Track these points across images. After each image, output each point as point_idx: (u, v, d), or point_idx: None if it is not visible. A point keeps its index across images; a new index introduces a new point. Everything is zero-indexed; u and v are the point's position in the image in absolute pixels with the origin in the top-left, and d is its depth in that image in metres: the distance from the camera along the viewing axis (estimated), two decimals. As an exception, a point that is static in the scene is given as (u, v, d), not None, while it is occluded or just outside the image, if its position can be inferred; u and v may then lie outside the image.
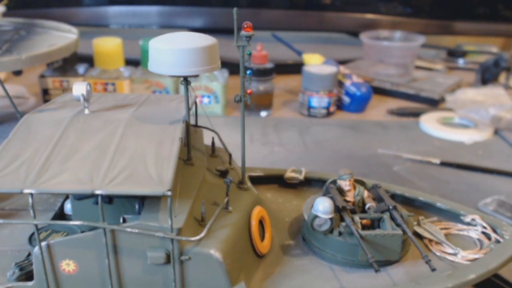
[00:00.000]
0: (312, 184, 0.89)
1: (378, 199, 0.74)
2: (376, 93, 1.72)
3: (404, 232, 0.68)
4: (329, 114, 1.56)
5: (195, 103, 0.79)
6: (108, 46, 1.52)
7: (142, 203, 0.65)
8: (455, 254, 0.71)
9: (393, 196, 0.79)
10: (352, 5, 2.34)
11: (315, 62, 1.71)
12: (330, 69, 1.54)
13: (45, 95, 1.52)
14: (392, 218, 0.70)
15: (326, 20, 2.34)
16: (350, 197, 0.75)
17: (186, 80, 0.70)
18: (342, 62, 1.78)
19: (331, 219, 0.68)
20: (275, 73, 1.56)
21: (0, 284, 0.64)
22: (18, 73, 1.47)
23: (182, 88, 0.72)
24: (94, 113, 0.71)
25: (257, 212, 0.72)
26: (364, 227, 0.70)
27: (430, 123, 1.48)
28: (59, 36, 1.43)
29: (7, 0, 1.89)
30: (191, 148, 0.76)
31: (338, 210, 0.70)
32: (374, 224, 0.71)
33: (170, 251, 0.60)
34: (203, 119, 0.83)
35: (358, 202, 0.75)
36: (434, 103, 1.66)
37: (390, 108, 1.64)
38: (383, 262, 0.68)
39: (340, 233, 0.69)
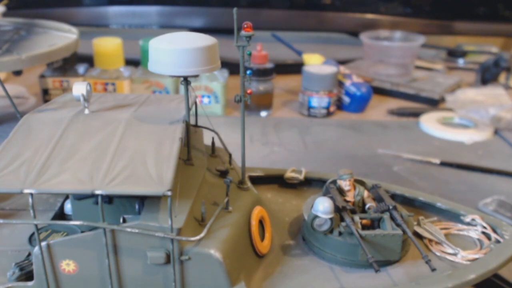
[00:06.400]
0: (312, 184, 0.89)
1: (378, 199, 0.74)
2: (376, 93, 1.72)
3: (404, 232, 0.68)
4: (329, 114, 1.56)
5: (195, 103, 0.79)
6: (108, 46, 1.52)
7: (142, 203, 0.65)
8: (455, 254, 0.71)
9: (393, 196, 0.79)
10: (352, 5, 2.34)
11: (315, 62, 1.71)
12: (330, 69, 1.54)
13: (45, 95, 1.52)
14: (392, 218, 0.70)
15: (326, 20, 2.34)
16: (350, 197, 0.75)
17: (186, 80, 0.70)
18: (342, 62, 1.78)
19: (331, 219, 0.68)
20: (275, 73, 1.56)
21: (0, 284, 0.64)
22: (18, 73, 1.47)
23: (182, 88, 0.72)
24: (94, 113, 0.71)
25: (257, 212, 0.72)
26: (364, 227, 0.70)
27: (430, 123, 1.48)
28: (59, 36, 1.43)
29: (7, 0, 1.89)
30: (191, 148, 0.76)
31: (338, 210, 0.70)
32: (374, 224, 0.71)
33: (170, 251, 0.60)
34: (203, 119, 0.83)
35: (358, 202, 0.75)
36: (434, 103, 1.66)
37: (390, 108, 1.64)
38: (383, 262, 0.68)
39: (340, 233, 0.69)
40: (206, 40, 0.68)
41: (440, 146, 1.38)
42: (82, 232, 0.65)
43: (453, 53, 2.15)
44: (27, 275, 0.65)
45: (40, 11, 2.15)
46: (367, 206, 0.73)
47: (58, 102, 0.76)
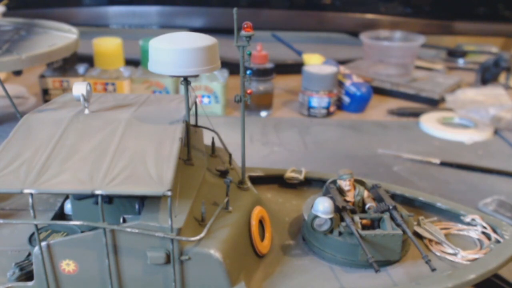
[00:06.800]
0: (312, 184, 0.89)
1: (378, 199, 0.74)
2: (376, 93, 1.72)
3: (404, 232, 0.68)
4: (329, 114, 1.56)
5: (195, 103, 0.79)
6: (108, 46, 1.52)
7: (142, 203, 0.65)
8: (455, 254, 0.71)
9: (393, 196, 0.79)
10: (352, 5, 2.34)
11: (315, 62, 1.71)
12: (330, 69, 1.54)
13: (45, 95, 1.52)
14: (392, 218, 0.70)
15: (326, 20, 2.34)
16: (350, 197, 0.75)
17: (186, 80, 0.70)
18: (342, 62, 1.78)
19: (331, 219, 0.68)
20: (275, 73, 1.56)
21: (0, 284, 0.64)
22: (18, 73, 1.47)
23: (182, 88, 0.72)
24: (94, 113, 0.71)
25: (257, 212, 0.72)
26: (364, 227, 0.70)
27: (430, 123, 1.48)
28: (59, 36, 1.43)
29: (7, 0, 1.89)
30: (191, 148, 0.76)
31: (338, 210, 0.70)
32: (374, 224, 0.71)
33: (170, 251, 0.60)
34: (203, 119, 0.83)
35: (358, 202, 0.75)
36: (434, 103, 1.66)
37: (390, 108, 1.64)
38: (383, 262, 0.68)
39: (340, 233, 0.69)
40: (206, 40, 0.68)
41: (440, 146, 1.38)
42: (82, 232, 0.65)
43: (453, 53, 2.15)
44: (27, 275, 0.64)
45: (40, 11, 2.15)
46: (367, 206, 0.73)
47: (58, 102, 0.76)
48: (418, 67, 1.90)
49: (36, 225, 0.60)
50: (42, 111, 0.72)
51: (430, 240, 0.74)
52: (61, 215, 0.77)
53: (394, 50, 1.77)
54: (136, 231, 0.59)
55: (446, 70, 1.98)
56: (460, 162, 1.26)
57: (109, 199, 0.67)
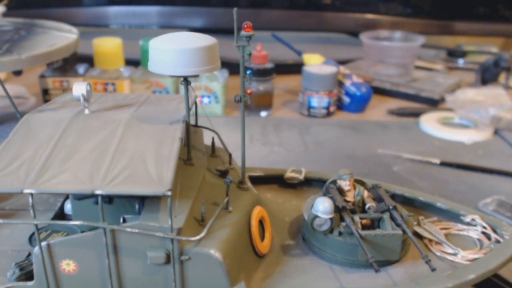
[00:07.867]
0: (312, 184, 0.89)
1: (378, 199, 0.74)
2: (376, 93, 1.72)
3: (404, 232, 0.68)
4: (329, 114, 1.56)
5: (195, 103, 0.79)
6: (108, 46, 1.52)
7: (142, 203, 0.65)
8: (455, 254, 0.71)
9: (393, 196, 0.79)
10: (352, 5, 2.34)
11: (315, 62, 1.71)
12: (330, 69, 1.54)
13: (45, 95, 1.52)
14: (392, 218, 0.70)
15: (326, 20, 2.34)
16: (350, 197, 0.75)
17: (186, 80, 0.70)
18: (342, 62, 1.78)
19: (331, 219, 0.68)
20: (275, 73, 1.56)
21: (0, 284, 0.64)
22: (18, 73, 1.47)
23: (182, 88, 0.72)
24: (94, 113, 0.71)
25: (257, 212, 0.72)
26: (364, 227, 0.70)
27: (430, 123, 1.48)
28: (59, 36, 1.43)
29: (7, 0, 1.89)
30: (191, 148, 0.76)
31: (338, 210, 0.70)
32: (374, 224, 0.71)
33: (170, 251, 0.60)
34: (203, 119, 0.83)
35: (358, 202, 0.75)
36: (434, 103, 1.66)
37: (390, 108, 1.64)
38: (383, 262, 0.68)
39: (340, 233, 0.69)
40: (206, 40, 0.68)
41: (440, 146, 1.38)
42: (82, 232, 0.65)
43: (453, 53, 2.15)
44: (27, 275, 0.64)
45: (40, 11, 2.15)
46: (367, 206, 0.73)
47: (58, 102, 0.76)
48: (418, 67, 1.90)
49: (36, 225, 0.60)
50: (42, 111, 0.72)
51: (430, 240, 0.74)
52: (61, 215, 0.77)
53: (394, 50, 1.77)
54: (136, 231, 0.59)
55: (446, 70, 1.97)
56: (460, 162, 1.27)
57: (109, 199, 0.67)
